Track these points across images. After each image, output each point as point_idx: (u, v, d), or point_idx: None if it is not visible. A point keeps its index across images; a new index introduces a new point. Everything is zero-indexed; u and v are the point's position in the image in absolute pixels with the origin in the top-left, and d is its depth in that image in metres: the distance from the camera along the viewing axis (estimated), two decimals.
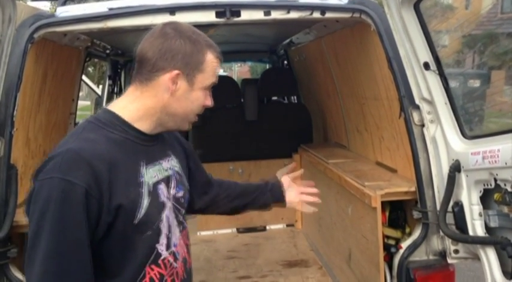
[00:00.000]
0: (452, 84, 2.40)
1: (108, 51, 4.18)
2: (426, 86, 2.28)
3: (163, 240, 1.46)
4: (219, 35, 4.17)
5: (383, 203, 2.57)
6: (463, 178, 2.19)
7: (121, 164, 1.38)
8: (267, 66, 6.58)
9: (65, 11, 2.51)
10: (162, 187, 1.48)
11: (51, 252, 1.27)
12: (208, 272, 3.71)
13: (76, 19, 2.36)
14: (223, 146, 4.48)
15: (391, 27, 2.31)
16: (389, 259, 2.55)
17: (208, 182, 1.96)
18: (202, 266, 3.83)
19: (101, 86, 8.42)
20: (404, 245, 2.46)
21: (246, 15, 2.53)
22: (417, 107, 2.36)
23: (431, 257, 2.45)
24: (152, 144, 1.50)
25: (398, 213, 2.70)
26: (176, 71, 1.42)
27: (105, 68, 5.58)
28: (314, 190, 2.19)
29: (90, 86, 6.18)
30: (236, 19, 2.52)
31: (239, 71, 28.72)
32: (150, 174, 1.45)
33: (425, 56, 2.23)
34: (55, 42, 2.76)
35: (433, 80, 2.25)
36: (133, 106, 1.46)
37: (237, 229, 4.63)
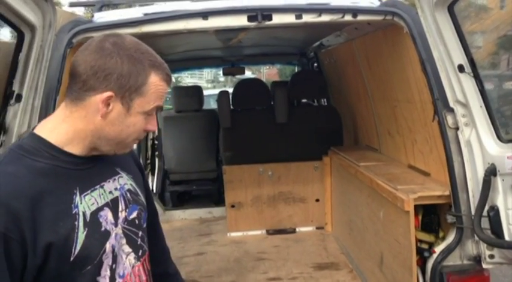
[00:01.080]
0: (488, 86, 2.36)
1: None
2: (461, 89, 2.25)
3: (105, 272, 1.29)
4: (249, 38, 4.21)
5: (416, 207, 2.55)
6: (498, 182, 2.16)
7: (48, 197, 1.21)
8: (296, 69, 6.59)
9: (102, 17, 2.58)
10: (105, 213, 1.32)
11: None
12: (239, 273, 3.73)
13: (112, 24, 2.43)
14: (253, 148, 4.51)
15: (424, 29, 2.30)
16: (422, 263, 2.53)
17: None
18: (233, 267, 3.86)
19: None
20: (438, 249, 2.44)
21: (277, 19, 2.54)
22: (451, 110, 2.34)
23: (465, 262, 2.42)
24: (88, 167, 1.32)
25: (431, 217, 2.67)
26: (108, 93, 1.24)
27: None
28: None
29: None
30: (268, 23, 2.54)
31: (267, 73, 28.74)
32: (87, 203, 1.28)
33: (459, 58, 2.21)
34: None
35: (468, 82, 2.22)
36: (62, 128, 1.28)
37: (267, 231, 4.64)
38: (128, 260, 1.35)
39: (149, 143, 5.86)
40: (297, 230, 4.66)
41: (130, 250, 1.36)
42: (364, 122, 4.16)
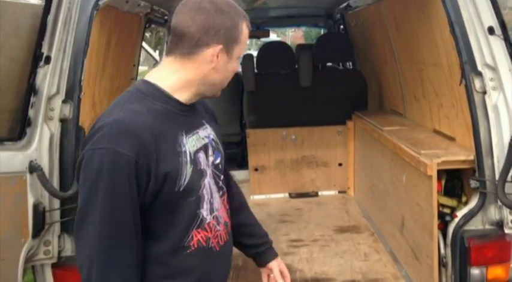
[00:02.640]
0: None
1: (166, 18, 4.25)
2: (490, 52, 2.21)
3: (206, 205, 1.51)
4: (275, 0, 4.15)
5: (439, 172, 2.55)
6: None
7: (164, 134, 1.42)
8: (322, 32, 6.48)
9: None
10: (201, 155, 1.52)
11: (106, 218, 1.33)
12: None
13: None
14: (277, 112, 4.51)
15: None
16: (443, 227, 2.54)
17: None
18: None
19: (157, 52, 8.58)
20: (460, 213, 2.43)
21: None
22: (479, 74, 2.29)
23: (487, 227, 2.41)
24: (189, 114, 1.54)
25: (454, 182, 2.67)
26: (220, 46, 1.45)
27: (162, 33, 5.68)
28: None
29: (148, 52, 6.32)
30: None
31: (293, 36, 28.34)
32: (190, 143, 1.49)
33: (489, 20, 2.16)
34: (118, 9, 2.85)
35: (498, 45, 2.18)
36: (174, 78, 1.49)
37: (289, 194, 4.70)
38: (218, 197, 1.57)
39: None
40: (320, 193, 4.71)
41: (216, 189, 1.57)
42: (390, 86, 4.11)
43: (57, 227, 2.33)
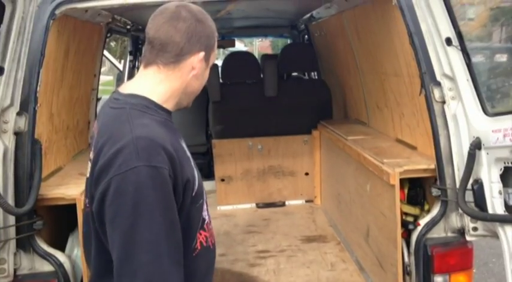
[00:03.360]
0: (478, 59, 2.35)
1: (129, 27, 4.20)
2: (448, 62, 2.25)
3: (205, 205, 1.54)
4: (239, 10, 4.15)
5: (402, 180, 2.58)
6: (483, 156, 2.17)
7: (175, 144, 1.42)
8: (288, 42, 6.52)
9: None
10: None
11: (159, 237, 1.28)
12: (228, 246, 3.77)
13: None
14: (243, 122, 4.49)
15: (412, 1, 2.27)
16: (407, 236, 2.57)
17: None
18: (222, 240, 3.89)
19: (122, 62, 8.47)
20: (423, 222, 2.46)
21: None
22: (438, 84, 2.33)
23: (449, 234, 2.45)
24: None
25: (417, 190, 2.70)
26: (202, 53, 1.48)
27: (127, 43, 5.61)
28: None
29: (112, 62, 6.23)
30: None
31: (260, 46, 28.45)
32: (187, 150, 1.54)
33: (447, 31, 2.20)
34: (76, 18, 2.79)
35: (455, 55, 2.22)
36: (160, 88, 1.48)
37: (256, 204, 4.67)
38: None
39: None
40: (287, 203, 4.69)
41: None
42: (354, 95, 4.15)
43: (12, 244, 2.24)
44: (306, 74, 5.63)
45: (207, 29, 1.48)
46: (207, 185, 5.09)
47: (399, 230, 2.49)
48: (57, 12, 2.32)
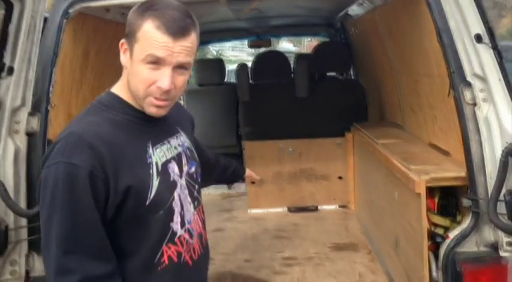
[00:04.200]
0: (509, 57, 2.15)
1: None
2: (478, 61, 2.06)
3: (176, 218, 1.44)
4: (270, 8, 4.04)
5: (433, 189, 2.40)
6: None
7: (126, 146, 1.37)
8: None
9: None
10: (173, 165, 1.46)
11: (67, 234, 1.27)
12: (254, 251, 3.67)
13: None
14: (273, 123, 4.38)
15: None
16: (435, 249, 2.38)
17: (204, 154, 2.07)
18: (249, 245, 3.80)
19: None
20: (452, 234, 2.27)
21: None
22: (469, 84, 2.14)
23: (482, 249, 2.23)
24: (156, 124, 1.46)
25: (449, 199, 2.50)
26: (122, 40, 1.38)
27: None
28: None
29: None
30: None
31: (309, 45, 28.15)
32: (158, 154, 1.43)
33: (477, 27, 2.01)
34: (98, 17, 2.76)
35: (486, 53, 2.02)
36: (123, 84, 1.43)
37: (288, 208, 4.55)
38: (191, 209, 1.51)
39: None
40: (320, 208, 4.54)
41: (190, 200, 1.51)
42: (389, 96, 3.96)
43: (24, 246, 2.23)
44: (343, 74, 5.44)
45: (132, 16, 1.36)
46: (241, 187, 5.02)
47: (425, 243, 2.31)
48: (71, 11, 2.29)
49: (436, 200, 2.51)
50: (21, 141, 2.18)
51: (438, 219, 2.45)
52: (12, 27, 2.03)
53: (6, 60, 2.06)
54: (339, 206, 4.54)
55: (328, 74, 5.04)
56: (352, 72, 5.11)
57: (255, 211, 4.54)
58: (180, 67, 1.35)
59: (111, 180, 1.30)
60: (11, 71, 2.07)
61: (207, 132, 5.23)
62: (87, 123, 1.36)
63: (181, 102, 5.39)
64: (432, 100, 2.75)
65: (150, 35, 1.30)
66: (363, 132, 3.75)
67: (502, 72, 2.01)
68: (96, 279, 1.29)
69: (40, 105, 2.22)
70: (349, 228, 4.06)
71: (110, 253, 1.33)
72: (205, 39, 6.13)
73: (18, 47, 2.06)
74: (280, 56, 4.62)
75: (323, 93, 4.36)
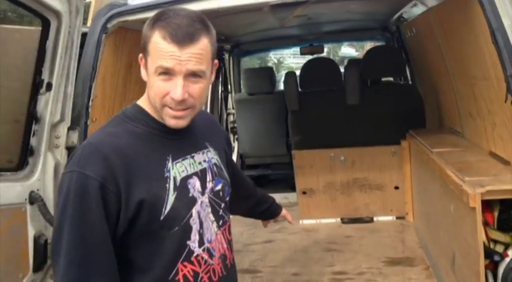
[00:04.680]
0: None
1: None
2: None
3: (194, 236, 1.39)
4: (320, 14, 3.94)
5: (491, 202, 2.21)
6: None
7: (143, 159, 1.34)
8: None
9: None
10: (194, 181, 1.42)
11: (74, 244, 1.26)
12: (303, 265, 3.55)
13: (147, 6, 2.32)
14: (323, 132, 4.25)
15: None
16: (494, 268, 2.17)
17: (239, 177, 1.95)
18: (298, 258, 3.68)
19: None
20: (511, 252, 2.07)
21: None
22: None
23: None
24: (179, 137, 1.43)
25: (510, 213, 2.29)
26: (140, 55, 1.38)
27: None
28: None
29: None
30: None
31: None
32: (178, 169, 1.39)
33: None
34: (139, 30, 2.77)
35: None
36: (146, 97, 1.42)
37: (342, 219, 4.39)
38: (213, 227, 1.45)
39: (229, 126, 5.79)
40: (375, 219, 4.35)
41: (213, 219, 1.46)
42: (447, 102, 3.73)
43: None
44: (399, 78, 5.22)
45: (145, 30, 1.34)
46: (293, 196, 4.90)
47: (482, 261, 2.11)
48: (109, 25, 2.31)
49: (496, 213, 2.30)
50: (62, 156, 2.21)
51: (497, 235, 2.24)
52: (49, 44, 2.06)
53: (45, 76, 2.09)
54: (396, 218, 4.33)
55: (384, 79, 4.85)
56: (409, 77, 4.88)
57: (306, 222, 4.42)
58: (192, 75, 1.31)
59: (123, 193, 1.28)
60: (49, 86, 2.10)
61: (257, 141, 5.18)
62: (106, 134, 1.36)
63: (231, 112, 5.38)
64: (490, 105, 2.54)
65: (158, 46, 1.29)
66: (418, 140, 3.55)
67: None
68: None
69: (79, 119, 2.25)
70: (406, 242, 3.85)
71: (115, 270, 1.31)
72: (259, 47, 6.11)
73: (56, 63, 2.09)
74: (329, 62, 4.50)
75: (376, 100, 4.19)
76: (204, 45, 1.30)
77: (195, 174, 1.43)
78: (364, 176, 4.28)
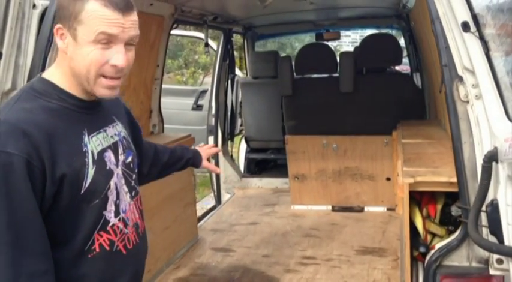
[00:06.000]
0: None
1: (205, 19, 4.17)
2: (467, 52, 1.80)
3: (110, 207, 1.42)
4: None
5: (436, 194, 2.17)
6: (500, 170, 1.71)
7: (61, 134, 1.33)
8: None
9: None
10: (109, 154, 1.45)
11: (5, 224, 1.24)
12: (277, 248, 3.59)
13: None
14: (316, 119, 4.23)
15: None
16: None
17: (146, 145, 1.95)
18: (275, 241, 3.73)
19: None
20: (439, 245, 2.03)
21: None
22: (461, 79, 1.89)
23: (474, 264, 1.97)
24: (92, 112, 1.44)
25: (451, 207, 2.24)
26: (57, 25, 1.33)
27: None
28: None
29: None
30: None
31: None
32: (94, 143, 1.41)
33: (463, 14, 1.76)
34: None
35: (474, 44, 1.77)
36: (58, 71, 1.40)
37: (332, 207, 4.38)
38: (127, 198, 1.50)
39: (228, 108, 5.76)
40: (366, 209, 4.32)
41: (127, 190, 1.50)
42: (437, 93, 3.62)
43: None
44: (400, 68, 5.09)
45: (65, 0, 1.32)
46: (285, 182, 4.87)
47: (408, 252, 2.10)
48: None
49: (439, 206, 2.27)
50: None
51: (435, 228, 2.22)
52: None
53: None
54: (387, 209, 4.28)
55: (388, 68, 4.74)
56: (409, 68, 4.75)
57: (298, 207, 4.44)
58: (129, 43, 1.35)
59: (48, 169, 1.28)
60: None
61: (264, 125, 5.18)
62: (20, 110, 1.31)
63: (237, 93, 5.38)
64: None
65: (99, 14, 1.28)
66: (400, 131, 3.49)
67: (490, 66, 1.74)
68: (31, 275, 1.27)
69: None
70: (387, 233, 3.82)
71: (47, 248, 1.31)
72: (273, 31, 6.07)
73: (5, 33, 2.18)
74: (326, 48, 4.43)
75: (369, 88, 4.12)
76: (136, 13, 1.36)
77: (109, 147, 1.45)
78: (355, 165, 4.25)
